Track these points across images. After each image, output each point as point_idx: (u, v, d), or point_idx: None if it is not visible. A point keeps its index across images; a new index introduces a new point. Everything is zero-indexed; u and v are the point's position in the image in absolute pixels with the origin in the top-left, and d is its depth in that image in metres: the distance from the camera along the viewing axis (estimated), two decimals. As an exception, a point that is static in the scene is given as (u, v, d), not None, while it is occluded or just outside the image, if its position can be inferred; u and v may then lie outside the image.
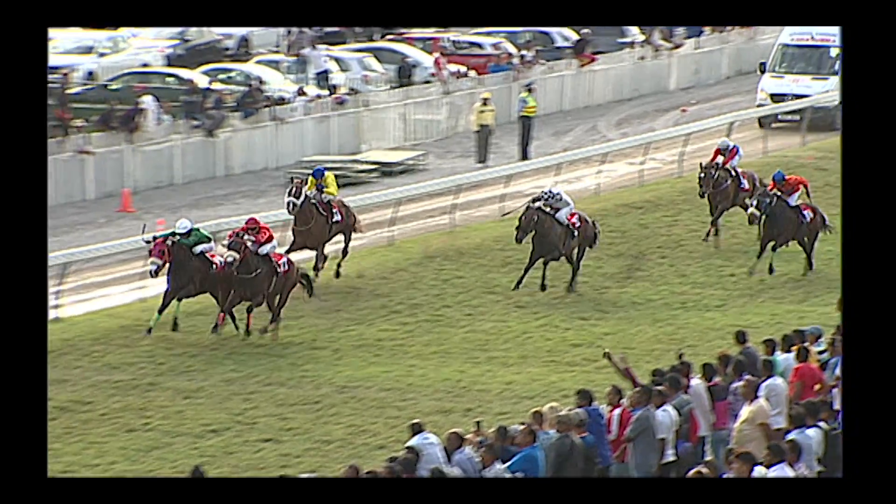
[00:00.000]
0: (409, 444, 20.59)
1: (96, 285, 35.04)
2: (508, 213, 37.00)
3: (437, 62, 53.04)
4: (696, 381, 22.45)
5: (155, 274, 31.53)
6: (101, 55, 53.45)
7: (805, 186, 35.04)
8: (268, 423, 27.18)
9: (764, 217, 34.52)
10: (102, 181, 44.08)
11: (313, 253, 35.34)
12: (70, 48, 52.77)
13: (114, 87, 49.09)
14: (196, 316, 32.15)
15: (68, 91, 47.52)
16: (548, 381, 28.70)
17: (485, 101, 48.50)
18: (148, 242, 31.74)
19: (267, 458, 25.36)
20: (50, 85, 47.04)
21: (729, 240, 37.55)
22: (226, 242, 31.71)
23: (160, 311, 31.46)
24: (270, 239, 31.99)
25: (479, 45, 56.07)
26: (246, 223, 32.20)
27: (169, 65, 53.15)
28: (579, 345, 30.87)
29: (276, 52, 54.01)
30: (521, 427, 20.78)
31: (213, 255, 31.81)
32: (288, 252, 34.20)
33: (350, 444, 25.91)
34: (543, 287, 33.84)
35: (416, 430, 20.88)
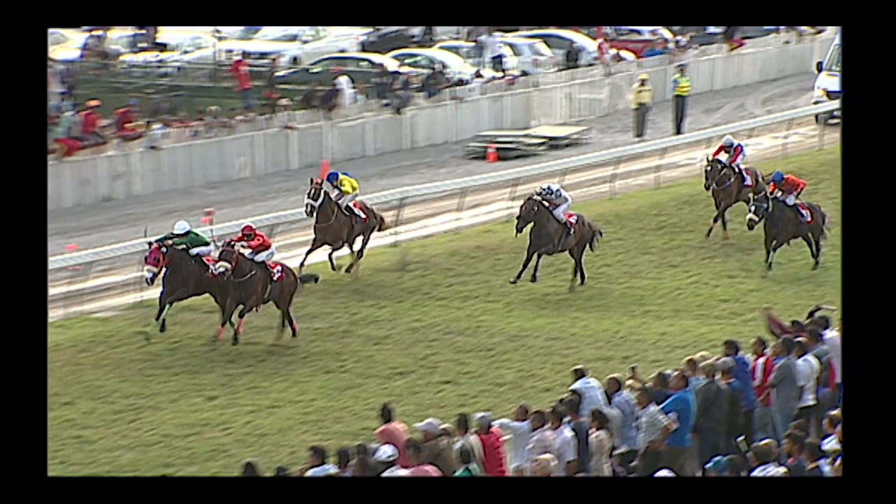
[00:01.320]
0: (572, 387, 20.47)
1: (299, 244, 35.13)
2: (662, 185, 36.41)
3: (600, 47, 52.88)
4: (833, 333, 22.03)
5: (151, 282, 28.74)
6: (304, 42, 53.59)
7: (803, 187, 33.02)
8: (447, 367, 27.16)
9: (763, 220, 32.30)
10: (304, 153, 44.35)
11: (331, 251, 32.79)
12: (277, 36, 53.01)
13: (315, 70, 49.25)
14: (382, 272, 32.09)
15: (276, 74, 47.96)
16: (698, 332, 28.43)
17: (642, 82, 48.22)
18: (150, 245, 28.89)
19: (447, 398, 25.32)
20: (260, 69, 47.65)
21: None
22: (216, 254, 28.68)
23: (158, 318, 28.60)
24: (267, 247, 29.09)
25: (638, 32, 55.53)
26: (241, 231, 29.28)
27: (363, 50, 53.26)
28: (727, 300, 30.58)
29: (457, 38, 53.88)
30: (675, 373, 20.55)
31: (209, 259, 28.82)
32: (309, 251, 32.25)
33: (520, 387, 25.83)
34: (534, 279, 31.35)
35: (579, 374, 20.73)
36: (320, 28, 53.40)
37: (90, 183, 40.27)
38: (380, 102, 46.85)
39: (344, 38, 53.95)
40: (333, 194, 32.43)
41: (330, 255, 32.51)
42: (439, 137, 47.35)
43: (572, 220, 31.60)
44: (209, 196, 40.03)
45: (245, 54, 48.92)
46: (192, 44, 51.88)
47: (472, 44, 52.11)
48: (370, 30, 54.16)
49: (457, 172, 41.63)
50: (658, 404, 19.89)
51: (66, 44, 51.46)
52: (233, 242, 28.69)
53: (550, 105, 50.17)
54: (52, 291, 30.36)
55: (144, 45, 50.94)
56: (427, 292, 31.65)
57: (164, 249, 28.48)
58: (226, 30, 51.20)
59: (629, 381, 20.87)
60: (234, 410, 25.28)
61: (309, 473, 17.72)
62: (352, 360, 27.61)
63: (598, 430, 19.24)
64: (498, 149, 45.10)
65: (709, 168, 35.17)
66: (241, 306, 28.45)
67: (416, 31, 55.00)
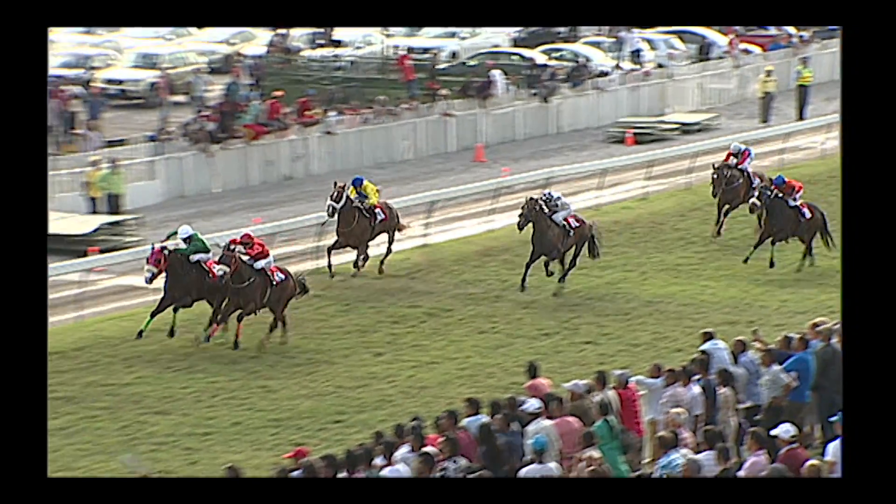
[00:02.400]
0: (702, 347, 20.30)
1: (455, 219, 35.19)
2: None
3: (730, 42, 52.55)
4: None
5: (150, 281, 26.51)
6: (462, 39, 53.62)
7: (800, 190, 30.82)
8: (588, 329, 27.05)
9: (764, 211, 30.42)
10: (461, 137, 44.36)
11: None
12: (438, 33, 53.11)
13: (471, 63, 49.28)
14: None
15: (437, 67, 48.19)
16: (818, 299, 28.08)
17: (768, 73, 47.86)
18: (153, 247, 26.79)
19: (587, 357, 25.21)
20: (422, 62, 47.78)
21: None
22: (216, 258, 26.50)
23: (153, 315, 26.40)
24: (266, 255, 26.62)
25: (765, 28, 54.95)
26: (241, 237, 26.85)
27: (515, 45, 53.19)
28: (843, 271, 30.11)
29: (599, 34, 53.61)
30: (797, 336, 20.31)
31: (210, 264, 26.57)
32: (330, 250, 30.16)
33: (654, 347, 25.68)
34: (549, 273, 29.49)
35: (708, 337, 20.55)
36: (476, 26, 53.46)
37: (274, 164, 40.59)
38: (529, 92, 46.85)
39: (497, 35, 53.93)
40: (355, 198, 30.36)
41: (356, 261, 30.46)
42: (582, 123, 47.20)
43: (572, 222, 29.55)
44: (376, 175, 40.04)
45: (410, 49, 49.15)
46: (363, 41, 52.16)
47: (613, 39, 51.85)
48: (520, 27, 54.08)
49: (597, 155, 41.44)
50: (780, 364, 19.70)
51: (254, 41, 51.94)
52: (232, 246, 26.44)
53: (683, 94, 49.81)
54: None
55: (322, 41, 51.29)
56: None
57: (165, 252, 26.45)
58: (393, 28, 51.39)
59: (754, 343, 20.66)
60: (399, 365, 25.37)
61: (464, 422, 17.70)
62: (503, 322, 27.59)
63: (724, 387, 19.10)
64: (635, 133, 44.87)
65: (714, 175, 33.09)
66: (239, 311, 26.35)
67: (563, 28, 54.80)
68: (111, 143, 39.04)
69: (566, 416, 17.69)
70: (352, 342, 26.61)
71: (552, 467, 16.19)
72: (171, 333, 26.38)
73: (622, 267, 31.06)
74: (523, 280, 29.24)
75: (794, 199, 30.54)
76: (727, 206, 33.01)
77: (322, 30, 50.77)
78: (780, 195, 30.58)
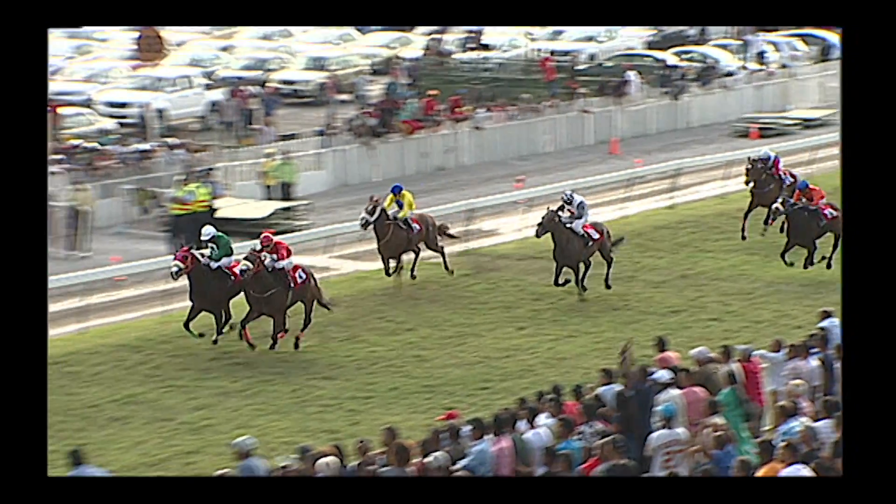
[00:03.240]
0: (820, 325, 20.03)
1: (591, 206, 34.98)
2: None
3: (847, 44, 51.59)
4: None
5: (176, 276, 25.07)
6: (600, 42, 53.32)
7: (822, 197, 28.67)
8: (714, 307, 26.80)
9: (786, 218, 28.60)
10: (598, 132, 44.12)
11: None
12: (578, 37, 52.92)
13: (608, 64, 48.99)
14: (659, 229, 31.77)
15: (576, 68, 48.06)
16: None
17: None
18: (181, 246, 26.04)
19: (713, 332, 24.95)
20: (563, 64, 47.64)
21: None
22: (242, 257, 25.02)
23: (186, 326, 25.09)
24: (288, 255, 25.07)
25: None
26: (261, 241, 25.17)
27: (648, 48, 52.77)
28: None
29: (727, 37, 53.00)
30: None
31: (234, 265, 25.05)
32: (387, 269, 28.37)
33: (775, 324, 25.35)
34: (558, 283, 27.31)
35: (826, 315, 20.28)
36: (613, 29, 53.10)
37: (428, 156, 40.70)
38: (661, 90, 46.50)
39: (632, 38, 53.56)
40: (392, 209, 28.43)
41: (393, 268, 28.63)
42: (709, 119, 46.70)
43: (591, 231, 27.44)
44: (520, 166, 40.10)
45: (552, 52, 49.01)
46: (509, 44, 52.09)
47: (740, 42, 51.25)
48: (654, 30, 53.67)
49: (723, 148, 40.95)
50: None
51: (411, 45, 52.10)
52: (259, 248, 24.91)
53: (805, 92, 49.03)
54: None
55: (472, 45, 51.33)
56: (697, 246, 31.23)
57: (192, 252, 25.17)
58: (536, 32, 51.26)
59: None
60: (539, 338, 25.33)
61: (599, 391, 17.62)
62: (635, 300, 27.42)
63: (841, 360, 18.82)
64: (759, 128, 44.32)
65: (749, 167, 31.63)
66: (258, 316, 24.92)
67: (693, 30, 54.29)
68: (284, 137, 39.41)
69: (693, 386, 17.55)
70: (497, 317, 26.61)
71: (679, 432, 16.07)
72: (196, 332, 24.98)
73: (746, 250, 30.66)
74: (556, 283, 27.27)
75: (815, 205, 28.68)
76: (758, 206, 31.15)
77: (472, 34, 50.86)
78: (800, 202, 28.72)
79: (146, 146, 36.41)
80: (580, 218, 27.30)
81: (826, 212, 28.69)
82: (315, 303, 25.28)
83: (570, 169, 39.32)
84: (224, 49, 50.41)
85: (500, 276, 29.19)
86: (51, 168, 33.86)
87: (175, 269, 24.87)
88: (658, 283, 28.56)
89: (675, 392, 17.26)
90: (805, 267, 28.45)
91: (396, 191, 28.76)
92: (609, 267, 27.68)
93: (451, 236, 29.48)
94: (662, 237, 31.97)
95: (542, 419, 16.61)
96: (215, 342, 24.96)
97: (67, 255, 30.56)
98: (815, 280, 28.15)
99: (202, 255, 25.22)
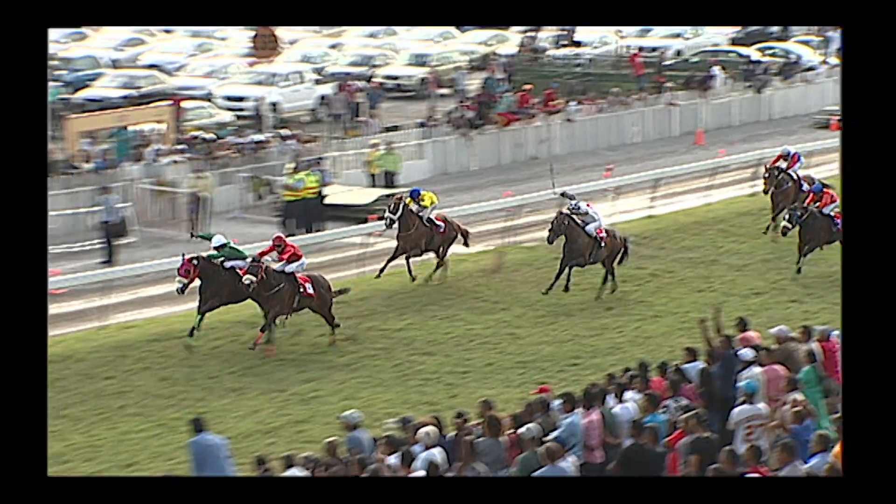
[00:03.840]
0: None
1: (677, 193, 34.72)
2: None
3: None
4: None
5: (181, 292, 23.64)
6: (686, 38, 52.82)
7: (836, 201, 26.85)
8: (794, 290, 26.44)
9: (798, 227, 27.07)
10: (683, 124, 43.79)
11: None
12: (665, 34, 52.40)
13: (693, 60, 48.58)
14: (742, 215, 31.37)
15: (663, 63, 47.67)
16: None
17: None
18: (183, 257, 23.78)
19: (793, 314, 24.53)
20: (651, 59, 47.25)
21: None
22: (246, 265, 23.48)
23: (198, 325, 23.71)
24: (297, 258, 23.78)
25: None
26: (272, 242, 24.12)
27: (732, 44, 52.23)
28: None
29: (808, 34, 52.33)
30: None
31: (244, 271, 23.45)
32: (392, 258, 26.95)
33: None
34: (567, 289, 26.14)
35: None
36: (698, 28, 52.62)
37: (522, 146, 40.58)
38: (744, 84, 46.03)
39: (717, 35, 53.04)
40: (414, 208, 27.16)
41: (407, 260, 27.22)
42: (791, 111, 46.18)
43: (602, 234, 26.27)
44: (609, 156, 39.86)
45: (640, 48, 48.61)
46: (600, 41, 51.76)
47: (821, 38, 50.57)
48: (738, 28, 53.12)
49: (804, 139, 40.41)
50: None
51: (507, 42, 51.93)
52: (259, 258, 23.56)
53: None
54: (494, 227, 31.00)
55: (565, 42, 51.11)
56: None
57: (195, 262, 23.56)
58: (625, 29, 50.90)
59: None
60: (627, 318, 25.12)
61: (686, 366, 17.42)
62: (718, 283, 27.11)
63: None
64: (839, 120, 43.70)
65: (766, 174, 30.33)
66: (269, 313, 23.58)
67: (775, 28, 53.64)
68: (388, 129, 39.46)
69: (774, 363, 17.30)
70: (587, 297, 26.44)
71: (760, 408, 15.85)
72: (191, 333, 23.56)
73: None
74: (550, 287, 26.10)
75: (828, 209, 27.12)
76: (779, 207, 29.83)
77: (565, 32, 50.61)
78: (814, 206, 27.09)
79: (261, 137, 36.61)
80: (590, 223, 26.15)
81: (838, 220, 26.71)
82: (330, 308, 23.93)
83: (656, 159, 39.02)
84: (333, 47, 50.55)
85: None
86: (174, 157, 34.17)
87: (179, 285, 23.40)
88: (740, 266, 28.22)
89: (756, 370, 17.03)
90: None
91: (415, 194, 27.45)
92: (607, 274, 26.41)
93: (466, 244, 27.97)
94: (744, 223, 31.58)
95: (630, 394, 16.46)
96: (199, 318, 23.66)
97: (189, 239, 30.77)
98: None
99: (207, 255, 23.72)
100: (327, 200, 32.28)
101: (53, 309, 21.50)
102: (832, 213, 26.98)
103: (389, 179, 35.36)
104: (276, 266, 23.60)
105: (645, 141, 42.67)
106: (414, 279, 27.13)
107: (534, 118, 41.03)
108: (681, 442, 14.75)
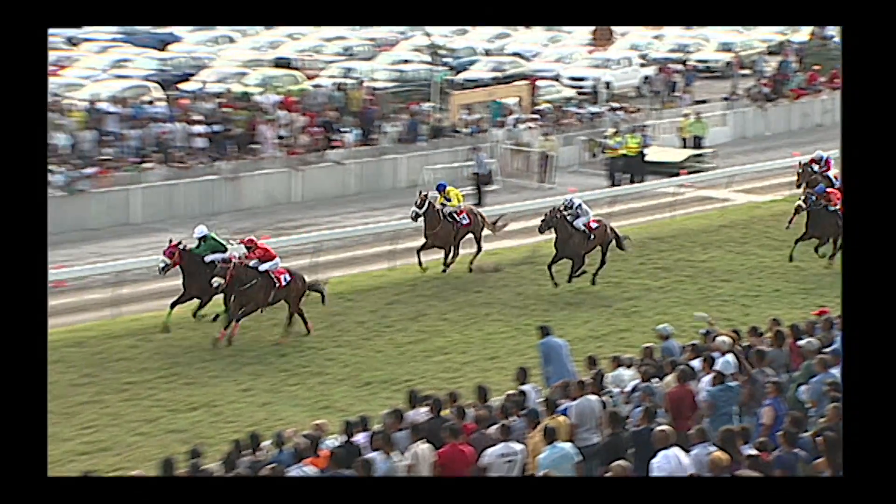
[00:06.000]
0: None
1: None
2: None
3: None
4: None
5: (162, 272, 20.05)
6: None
7: (840, 199, 22.79)
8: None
9: (807, 214, 23.42)
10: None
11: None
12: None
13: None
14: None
15: None
16: None
17: None
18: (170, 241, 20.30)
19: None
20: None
21: None
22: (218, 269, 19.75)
23: (172, 306, 20.15)
24: (270, 258, 19.89)
25: None
26: (244, 243, 20.29)
27: None
28: None
29: None
30: None
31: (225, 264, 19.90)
32: (419, 251, 23.08)
33: None
34: (570, 280, 22.45)
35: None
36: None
37: (808, 115, 39.25)
38: None
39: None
40: (438, 205, 23.46)
41: (445, 259, 23.48)
42: None
43: (593, 226, 22.55)
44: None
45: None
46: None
47: None
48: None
49: None
50: None
51: (799, 32, 49.69)
52: (231, 259, 19.98)
53: None
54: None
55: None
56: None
57: (180, 247, 20.08)
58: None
59: None
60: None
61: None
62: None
63: None
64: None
65: (800, 171, 26.19)
66: (242, 310, 19.75)
67: None
68: (697, 102, 38.69)
69: None
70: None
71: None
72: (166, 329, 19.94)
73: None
74: (552, 277, 22.50)
75: (834, 206, 23.19)
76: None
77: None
78: (822, 202, 23.45)
79: (596, 109, 36.72)
80: (580, 217, 22.56)
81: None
82: (301, 301, 20.03)
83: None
84: (655, 37, 49.75)
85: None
86: (529, 124, 34.45)
87: (162, 264, 19.96)
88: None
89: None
90: (815, 251, 23.60)
91: (441, 189, 23.74)
92: (602, 265, 22.69)
93: (494, 230, 24.02)
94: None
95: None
96: (195, 315, 20.23)
97: (539, 187, 31.17)
98: None
99: (190, 248, 20.28)
100: (647, 158, 32.07)
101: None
102: (837, 209, 23.02)
103: (697, 142, 34.81)
104: (250, 263, 19.75)
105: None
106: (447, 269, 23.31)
107: (820, 93, 39.31)
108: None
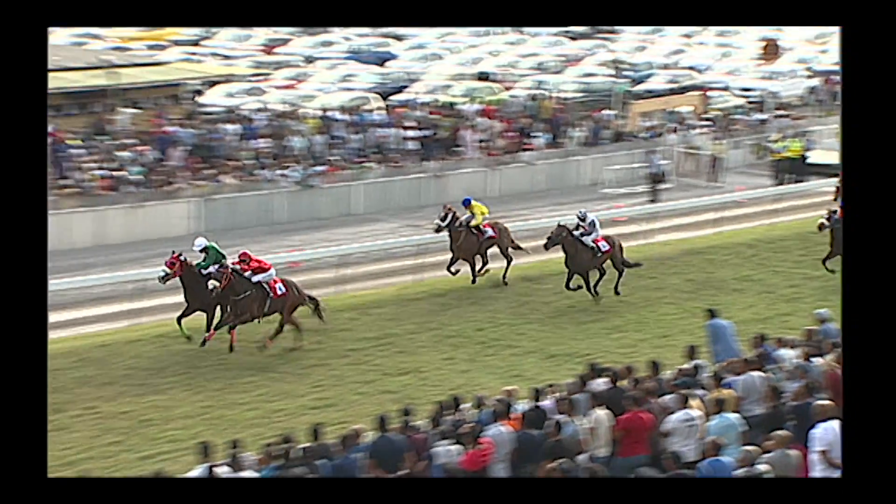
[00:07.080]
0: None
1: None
2: None
3: None
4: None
5: (162, 281, 18.45)
6: None
7: None
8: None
9: (831, 231, 21.44)
10: None
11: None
12: None
13: None
14: None
15: None
16: None
17: None
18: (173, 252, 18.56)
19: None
20: None
21: None
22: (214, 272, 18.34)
23: (179, 321, 18.51)
24: (264, 270, 18.27)
25: None
26: (238, 256, 18.47)
27: None
28: None
29: None
30: None
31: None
32: (449, 266, 21.24)
33: None
34: (596, 293, 20.62)
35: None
36: None
37: None
38: None
39: None
40: (464, 217, 21.58)
41: (472, 270, 21.59)
42: None
43: (601, 243, 20.64)
44: None
45: None
46: None
47: None
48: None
49: None
50: None
51: None
52: (228, 266, 18.35)
53: None
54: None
55: None
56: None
57: (182, 258, 18.46)
58: None
59: None
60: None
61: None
62: None
63: None
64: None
65: (838, 187, 23.83)
66: (236, 319, 18.24)
67: None
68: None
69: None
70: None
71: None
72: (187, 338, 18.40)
73: None
74: (567, 285, 20.57)
75: None
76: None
77: None
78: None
79: (763, 117, 36.01)
80: (590, 234, 20.69)
81: None
82: (294, 312, 18.48)
83: None
84: (823, 52, 48.02)
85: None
86: (700, 130, 33.93)
87: (162, 273, 18.46)
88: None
89: None
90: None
91: (467, 203, 21.83)
92: (620, 276, 20.88)
93: (519, 248, 21.95)
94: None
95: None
96: (203, 344, 18.25)
97: (707, 185, 30.74)
98: None
99: (193, 262, 18.74)
100: (809, 160, 31.45)
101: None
102: None
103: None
104: (245, 275, 18.27)
105: None
106: (475, 280, 21.51)
107: None
108: None
